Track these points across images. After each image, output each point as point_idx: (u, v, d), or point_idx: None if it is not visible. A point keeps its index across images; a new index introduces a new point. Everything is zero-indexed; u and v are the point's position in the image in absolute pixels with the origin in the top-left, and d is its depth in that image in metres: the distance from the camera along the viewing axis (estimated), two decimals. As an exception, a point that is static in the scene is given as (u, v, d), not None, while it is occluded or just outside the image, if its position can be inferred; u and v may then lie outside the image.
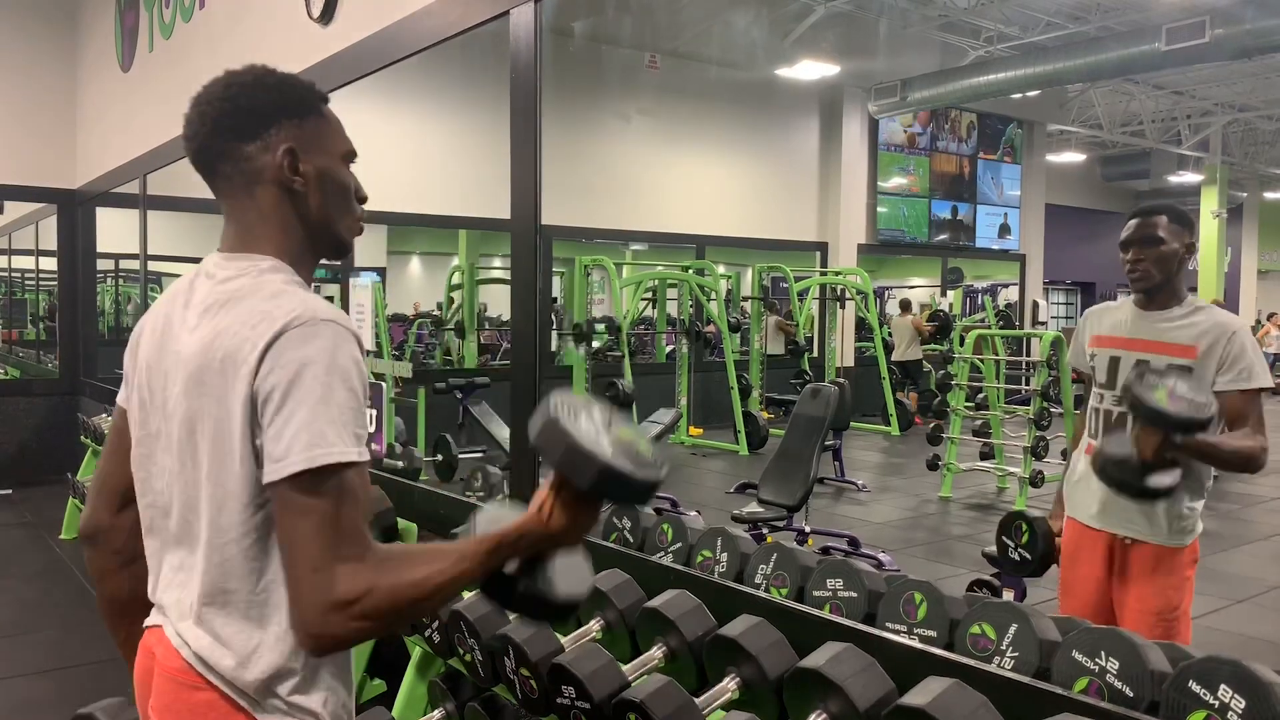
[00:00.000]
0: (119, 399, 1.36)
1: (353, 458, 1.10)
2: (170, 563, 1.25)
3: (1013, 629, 1.61)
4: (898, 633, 1.73)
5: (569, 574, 1.21)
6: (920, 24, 10.38)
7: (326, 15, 3.65)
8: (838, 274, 11.10)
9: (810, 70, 10.70)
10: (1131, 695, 1.44)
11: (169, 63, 5.48)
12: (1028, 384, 9.01)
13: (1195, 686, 1.38)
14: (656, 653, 1.78)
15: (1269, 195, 19.32)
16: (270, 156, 1.21)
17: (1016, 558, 2.61)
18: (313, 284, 1.29)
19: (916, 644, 1.64)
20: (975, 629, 1.66)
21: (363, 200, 1.33)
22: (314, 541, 1.06)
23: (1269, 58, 10.46)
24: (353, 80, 3.49)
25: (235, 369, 1.12)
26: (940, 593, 1.74)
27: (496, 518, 1.19)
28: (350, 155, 1.30)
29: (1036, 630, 1.60)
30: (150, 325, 1.29)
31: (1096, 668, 1.50)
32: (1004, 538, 2.65)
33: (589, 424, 1.15)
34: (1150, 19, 9.10)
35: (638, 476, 1.13)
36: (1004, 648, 1.62)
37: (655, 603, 1.81)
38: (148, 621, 1.29)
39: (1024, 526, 2.61)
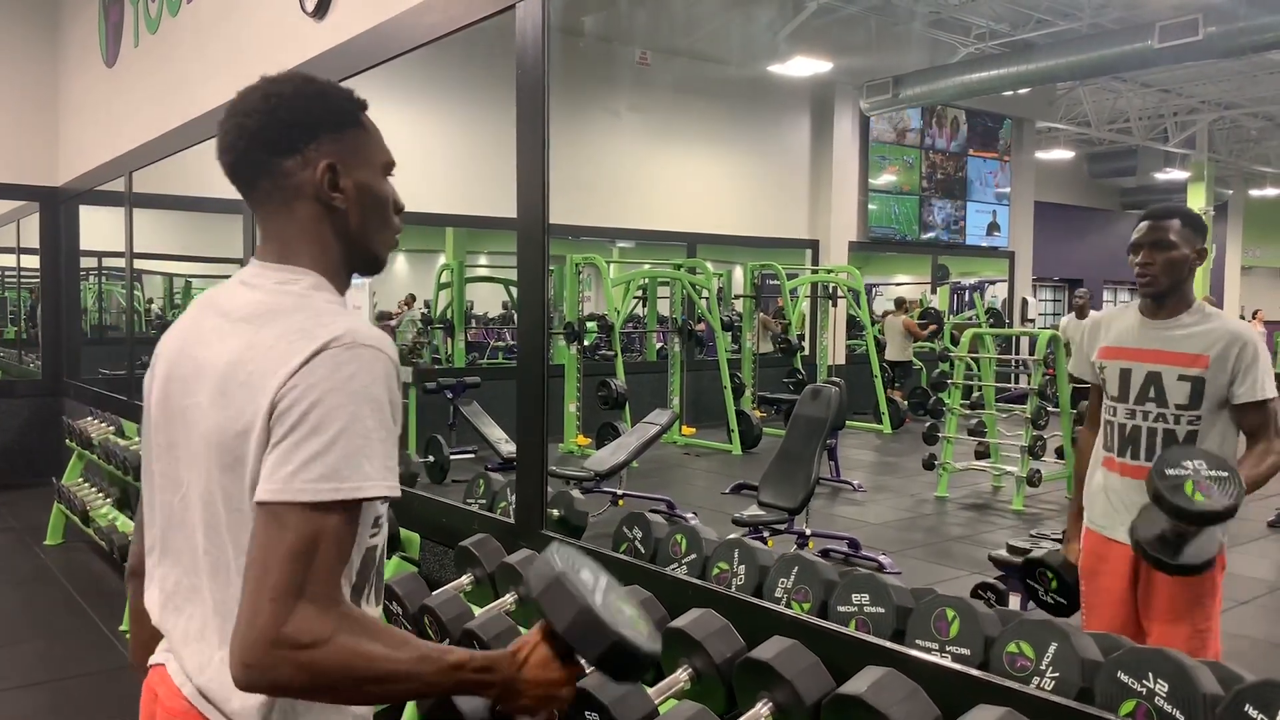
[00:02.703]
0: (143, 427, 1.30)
1: (367, 493, 1.03)
2: (181, 587, 1.18)
3: (1053, 648, 1.56)
4: (929, 651, 1.66)
5: None
6: (911, 20, 10.35)
7: (321, 9, 3.56)
8: (829, 271, 11.08)
9: (802, 67, 10.65)
10: (1183, 720, 1.39)
11: (155, 58, 5.36)
12: (1017, 382, 9.01)
13: (1252, 711, 1.32)
14: (682, 675, 1.70)
15: (1254, 192, 19.44)
16: (310, 172, 1.17)
17: (1050, 601, 2.56)
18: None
19: (958, 666, 1.57)
20: (1013, 647, 1.59)
21: (400, 211, 1.28)
22: (285, 569, 0.98)
23: (1255, 55, 10.49)
24: (348, 78, 3.41)
25: (263, 381, 1.05)
26: (974, 609, 1.68)
27: (569, 556, 1.11)
28: (389, 166, 1.26)
29: (1078, 649, 1.54)
30: (176, 333, 1.23)
31: (1144, 690, 1.44)
32: (1030, 582, 2.60)
33: (593, 584, 1.09)
34: (1142, 16, 9.09)
35: (645, 650, 1.07)
36: (1044, 668, 1.56)
37: (680, 623, 1.74)
38: (152, 659, 1.23)
39: (1049, 574, 2.56)
